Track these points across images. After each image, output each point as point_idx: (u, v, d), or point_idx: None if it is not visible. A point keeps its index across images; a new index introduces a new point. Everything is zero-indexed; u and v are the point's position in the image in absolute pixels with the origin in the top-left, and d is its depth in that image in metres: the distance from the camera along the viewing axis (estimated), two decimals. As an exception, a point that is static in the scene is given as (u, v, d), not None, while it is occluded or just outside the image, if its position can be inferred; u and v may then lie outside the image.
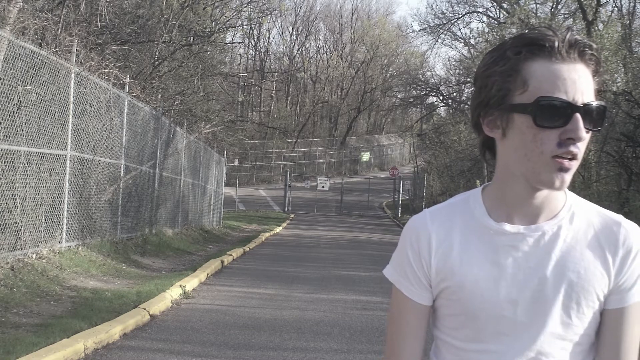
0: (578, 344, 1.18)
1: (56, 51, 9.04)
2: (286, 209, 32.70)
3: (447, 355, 1.25)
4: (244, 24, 35.80)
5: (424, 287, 1.25)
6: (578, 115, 1.10)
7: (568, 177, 1.12)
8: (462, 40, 38.70)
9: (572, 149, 1.10)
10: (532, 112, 1.11)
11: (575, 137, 1.10)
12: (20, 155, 7.55)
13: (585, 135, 1.12)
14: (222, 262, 11.36)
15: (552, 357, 1.17)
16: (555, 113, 1.10)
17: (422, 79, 41.77)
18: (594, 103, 1.12)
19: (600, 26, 20.29)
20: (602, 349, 1.19)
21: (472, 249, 1.21)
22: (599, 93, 1.19)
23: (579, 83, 1.11)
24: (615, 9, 26.15)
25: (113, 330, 5.65)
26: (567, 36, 1.12)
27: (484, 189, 1.26)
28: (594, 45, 1.14)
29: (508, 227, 1.19)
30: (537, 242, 1.18)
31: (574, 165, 1.12)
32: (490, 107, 1.17)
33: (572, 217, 1.20)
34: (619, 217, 1.20)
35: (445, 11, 46.24)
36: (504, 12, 28.68)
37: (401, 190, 35.26)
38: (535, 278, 1.17)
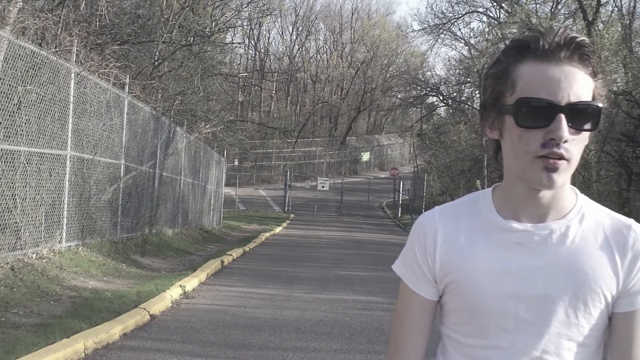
0: (585, 345, 1.17)
1: (56, 51, 9.04)
2: (286, 209, 32.69)
3: (452, 352, 1.26)
4: (244, 24, 35.81)
5: (429, 282, 1.27)
6: (561, 115, 1.09)
7: (558, 177, 1.12)
8: (462, 40, 38.69)
9: (556, 149, 1.10)
10: (514, 112, 1.13)
11: (556, 138, 1.09)
12: (20, 155, 7.55)
13: (570, 136, 1.11)
14: (222, 262, 11.36)
15: (557, 357, 1.16)
16: (537, 113, 1.11)
17: (422, 79, 41.79)
18: (581, 103, 1.10)
19: (600, 26, 20.27)
20: (613, 353, 1.19)
21: (478, 245, 1.22)
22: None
23: (565, 83, 1.10)
24: (615, 9, 26.17)
25: (113, 330, 5.65)
26: (556, 36, 1.12)
27: (494, 189, 1.27)
28: (590, 46, 1.13)
29: (515, 224, 1.19)
30: (544, 240, 1.18)
31: (563, 165, 1.11)
32: (487, 108, 1.20)
33: (582, 218, 1.20)
34: (630, 221, 1.20)
35: (445, 11, 46.28)
36: (504, 12, 28.67)
37: (401, 190, 35.25)
38: (541, 276, 1.17)
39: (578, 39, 1.12)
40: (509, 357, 1.18)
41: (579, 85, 1.11)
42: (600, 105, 1.13)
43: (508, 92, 1.15)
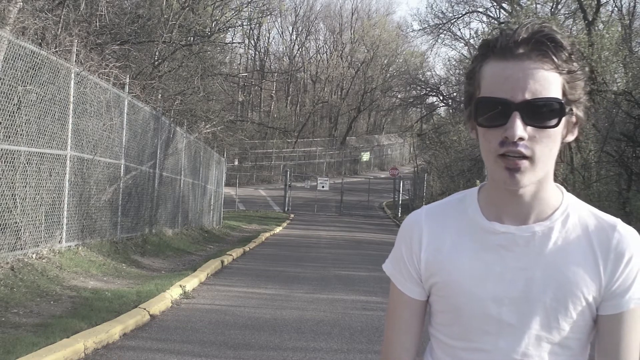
0: (568, 348, 1.17)
1: (56, 51, 9.04)
2: (286, 209, 32.69)
3: (439, 353, 1.26)
4: (244, 24, 35.80)
5: (416, 281, 1.27)
6: (515, 113, 1.08)
7: (521, 177, 1.10)
8: (462, 40, 38.70)
9: (513, 148, 1.08)
10: (474, 112, 1.14)
11: (509, 136, 1.08)
12: (20, 155, 7.55)
13: (531, 134, 1.08)
14: (222, 262, 11.36)
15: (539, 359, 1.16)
16: (492, 112, 1.10)
17: (422, 79, 41.80)
18: (538, 99, 1.08)
19: (600, 26, 20.27)
20: (600, 356, 1.18)
21: (462, 246, 1.21)
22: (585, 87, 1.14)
23: (522, 80, 1.08)
24: (615, 9, 26.16)
25: (113, 330, 5.64)
26: (515, 33, 1.10)
27: (481, 189, 1.26)
28: (554, 40, 1.09)
29: (498, 226, 1.18)
30: (527, 242, 1.17)
31: (525, 164, 1.09)
32: (465, 109, 1.23)
33: (565, 219, 1.18)
34: (616, 221, 1.18)
35: (445, 11, 46.21)
36: (504, 12, 28.70)
37: (401, 190, 35.25)
38: (523, 279, 1.16)
39: (539, 34, 1.09)
40: None
41: (537, 81, 1.08)
42: (562, 100, 1.10)
43: (476, 92, 1.15)
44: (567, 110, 1.11)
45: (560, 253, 1.16)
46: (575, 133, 1.17)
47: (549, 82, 1.09)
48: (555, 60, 1.09)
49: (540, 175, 1.12)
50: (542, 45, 1.09)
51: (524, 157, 1.09)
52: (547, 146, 1.10)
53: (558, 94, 1.10)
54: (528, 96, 1.08)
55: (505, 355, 1.16)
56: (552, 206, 1.18)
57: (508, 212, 1.18)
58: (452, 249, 1.22)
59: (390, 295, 1.32)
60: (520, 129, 1.07)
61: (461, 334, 1.21)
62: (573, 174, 16.73)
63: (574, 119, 1.15)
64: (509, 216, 1.18)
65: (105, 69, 10.70)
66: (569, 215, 1.18)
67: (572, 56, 1.11)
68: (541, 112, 1.09)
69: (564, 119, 1.12)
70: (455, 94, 39.00)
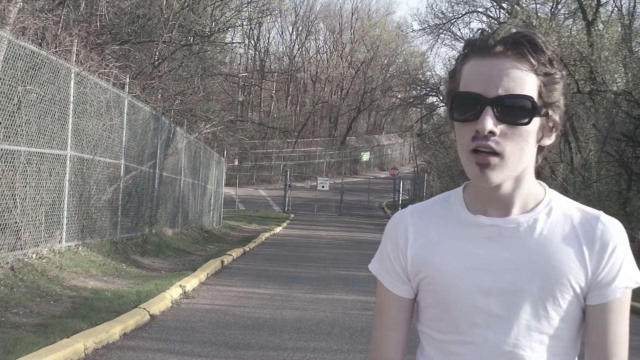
0: (558, 338, 1.17)
1: (56, 51, 9.04)
2: (286, 209, 32.69)
3: (428, 349, 1.27)
4: (244, 24, 35.79)
5: (402, 279, 1.28)
6: (487, 108, 1.09)
7: (491, 173, 1.11)
8: (462, 40, 38.63)
9: (483, 142, 1.10)
10: (450, 107, 1.15)
11: (480, 130, 1.09)
12: (20, 155, 7.55)
13: (502, 131, 1.10)
14: (222, 262, 11.36)
15: (529, 350, 1.16)
16: (467, 107, 1.12)
17: (422, 79, 41.78)
18: (510, 95, 1.09)
19: (600, 26, 20.27)
20: (589, 346, 1.19)
21: (448, 241, 1.22)
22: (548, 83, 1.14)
23: (497, 77, 1.10)
24: (615, 9, 26.15)
25: (113, 330, 5.65)
26: (495, 33, 1.12)
27: (466, 187, 1.29)
28: (533, 42, 1.11)
29: (484, 219, 1.20)
30: (512, 234, 1.18)
31: (495, 160, 1.11)
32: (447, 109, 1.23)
33: (549, 211, 1.20)
34: (599, 213, 1.20)
35: (445, 11, 46.18)
36: (504, 12, 28.70)
37: (401, 190, 35.27)
38: (509, 269, 1.17)
39: (518, 35, 1.11)
40: (482, 352, 1.18)
41: (511, 79, 1.10)
42: (535, 98, 1.11)
43: (456, 90, 1.17)
44: (542, 111, 1.13)
45: (546, 243, 1.17)
46: (552, 138, 1.18)
47: (523, 81, 1.11)
48: (532, 61, 1.11)
49: (511, 173, 1.14)
50: (520, 45, 1.11)
51: (495, 153, 1.10)
52: (519, 144, 1.12)
53: (533, 94, 1.11)
54: (501, 92, 1.10)
55: (496, 347, 1.17)
56: (535, 200, 1.20)
57: (492, 205, 1.20)
58: (438, 244, 1.23)
59: (377, 295, 1.33)
60: (490, 123, 1.09)
61: (450, 327, 1.21)
62: (573, 174, 16.73)
63: (551, 123, 1.16)
64: (493, 209, 1.20)
65: (105, 69, 10.69)
66: (552, 208, 1.20)
67: (552, 61, 1.13)
68: (513, 109, 1.10)
69: (537, 120, 1.13)
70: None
